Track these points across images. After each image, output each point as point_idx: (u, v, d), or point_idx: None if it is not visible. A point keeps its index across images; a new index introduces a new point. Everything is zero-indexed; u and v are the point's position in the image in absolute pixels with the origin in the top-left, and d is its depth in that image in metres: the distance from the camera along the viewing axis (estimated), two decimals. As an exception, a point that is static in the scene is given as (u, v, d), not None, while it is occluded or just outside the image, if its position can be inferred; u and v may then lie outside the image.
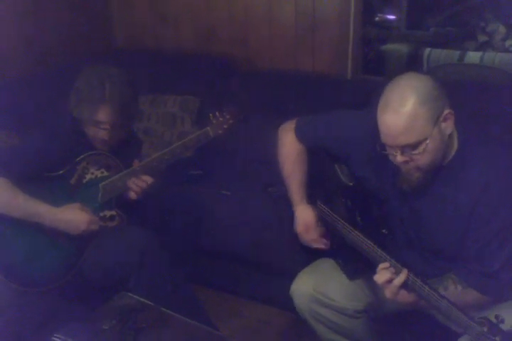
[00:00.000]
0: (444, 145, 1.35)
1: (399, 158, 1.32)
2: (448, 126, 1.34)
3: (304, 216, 1.62)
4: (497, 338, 1.12)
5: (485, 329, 1.14)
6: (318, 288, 1.56)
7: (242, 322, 2.19)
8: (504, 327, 1.13)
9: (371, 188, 1.53)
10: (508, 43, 3.61)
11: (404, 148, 1.31)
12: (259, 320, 2.21)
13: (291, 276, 1.65)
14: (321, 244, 1.61)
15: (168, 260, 1.82)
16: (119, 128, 1.78)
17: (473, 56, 3.25)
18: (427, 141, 1.29)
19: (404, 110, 1.27)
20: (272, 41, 2.73)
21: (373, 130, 1.43)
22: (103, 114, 1.72)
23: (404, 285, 1.31)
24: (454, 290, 1.37)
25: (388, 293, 1.33)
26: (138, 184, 1.79)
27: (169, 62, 2.82)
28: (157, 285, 1.76)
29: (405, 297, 1.32)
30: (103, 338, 1.42)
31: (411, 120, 1.27)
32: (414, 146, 1.30)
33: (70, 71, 1.91)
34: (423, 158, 1.32)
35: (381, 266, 1.34)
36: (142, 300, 1.59)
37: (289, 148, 1.70)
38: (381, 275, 1.33)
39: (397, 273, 1.32)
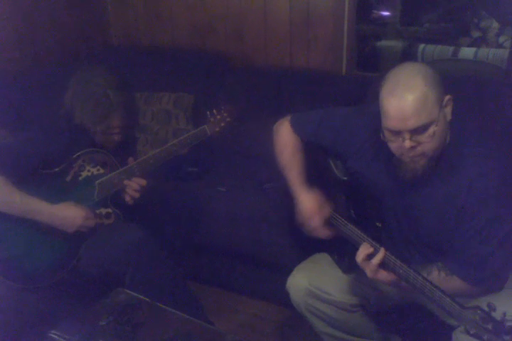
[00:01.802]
0: (446, 131, 1.36)
1: (407, 144, 1.31)
2: (448, 113, 1.35)
3: (308, 201, 1.57)
4: (489, 326, 1.13)
5: (477, 317, 1.15)
6: (314, 282, 1.57)
7: (238, 318, 2.20)
8: (496, 315, 1.14)
9: (365, 182, 1.54)
10: (501, 39, 3.61)
11: (414, 132, 1.31)
12: (255, 316, 2.21)
13: (287, 272, 1.66)
14: (323, 234, 1.56)
15: (164, 256, 1.83)
16: (128, 128, 1.83)
17: (467, 52, 3.26)
18: (435, 124, 1.30)
19: (414, 91, 1.28)
20: (267, 38, 2.73)
21: (368, 124, 1.43)
22: (115, 121, 1.77)
23: (383, 264, 1.34)
24: (437, 276, 1.38)
25: (368, 271, 1.36)
26: (132, 186, 1.80)
27: (164, 59, 2.82)
28: (152, 282, 1.77)
29: (384, 276, 1.35)
30: (100, 334, 1.42)
31: (422, 101, 1.28)
32: (424, 129, 1.30)
33: (66, 69, 1.92)
34: (431, 142, 1.32)
35: (362, 246, 1.38)
36: (139, 296, 1.59)
37: (286, 138, 1.70)
38: (359, 253, 1.37)
39: (375, 252, 1.35)
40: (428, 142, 1.32)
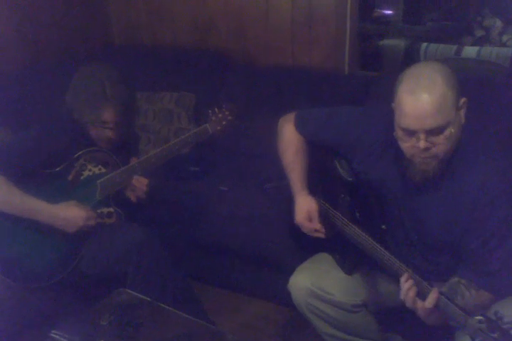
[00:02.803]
0: (460, 134, 1.34)
1: (422, 144, 1.29)
2: (462, 115, 1.34)
3: (306, 204, 1.58)
4: (495, 335, 1.11)
5: (483, 326, 1.13)
6: (316, 282, 1.56)
7: (240, 317, 2.19)
8: (503, 324, 1.13)
9: (371, 183, 1.53)
10: (504, 38, 3.60)
11: (430, 133, 1.28)
12: (257, 316, 2.21)
13: (289, 272, 1.65)
14: (320, 233, 1.57)
15: (166, 256, 1.82)
16: (123, 126, 1.80)
17: (470, 51, 3.25)
18: (452, 126, 1.29)
19: (435, 91, 1.26)
20: (269, 36, 2.72)
21: (376, 124, 1.42)
22: (108, 114, 1.74)
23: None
24: (470, 296, 1.34)
25: (421, 313, 1.29)
26: (137, 186, 1.79)
27: (166, 58, 2.82)
28: (154, 282, 1.76)
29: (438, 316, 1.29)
30: (101, 334, 1.42)
31: (441, 102, 1.26)
32: (440, 131, 1.28)
33: (67, 68, 1.91)
34: (446, 144, 1.31)
35: (404, 283, 1.30)
36: (140, 296, 1.59)
37: (289, 138, 1.69)
38: (405, 293, 1.29)
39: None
40: (443, 144, 1.30)
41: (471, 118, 1.39)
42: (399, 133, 1.35)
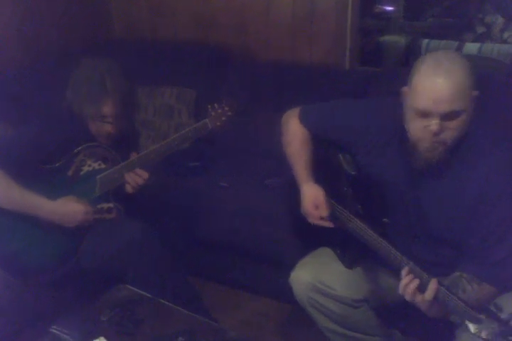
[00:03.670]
0: (468, 124, 1.34)
1: (434, 127, 1.30)
2: (473, 108, 1.34)
3: (312, 193, 1.57)
4: (494, 326, 1.12)
5: (483, 317, 1.14)
6: (318, 276, 1.56)
7: (241, 314, 2.18)
8: (502, 315, 1.13)
9: (374, 176, 1.52)
10: (506, 35, 3.60)
11: (444, 117, 1.29)
12: (258, 313, 2.20)
13: (290, 268, 1.65)
14: (329, 223, 1.54)
15: (166, 252, 1.82)
16: (122, 121, 1.79)
17: (471, 47, 3.25)
18: (465, 114, 1.30)
19: (455, 76, 1.28)
20: (270, 32, 2.71)
21: (380, 116, 1.42)
22: (107, 108, 1.74)
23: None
24: (472, 290, 1.34)
25: (422, 306, 1.28)
26: (135, 179, 1.78)
27: (166, 53, 2.80)
28: (154, 278, 1.75)
29: (439, 309, 1.28)
30: (101, 329, 1.42)
31: (459, 87, 1.27)
32: (454, 116, 1.30)
33: (68, 62, 1.90)
34: (456, 131, 1.32)
35: (404, 277, 1.30)
36: (141, 292, 1.59)
37: (294, 131, 1.70)
38: (404, 286, 1.29)
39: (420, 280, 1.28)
40: (453, 129, 1.31)
41: (479, 114, 1.40)
42: (411, 115, 1.35)
